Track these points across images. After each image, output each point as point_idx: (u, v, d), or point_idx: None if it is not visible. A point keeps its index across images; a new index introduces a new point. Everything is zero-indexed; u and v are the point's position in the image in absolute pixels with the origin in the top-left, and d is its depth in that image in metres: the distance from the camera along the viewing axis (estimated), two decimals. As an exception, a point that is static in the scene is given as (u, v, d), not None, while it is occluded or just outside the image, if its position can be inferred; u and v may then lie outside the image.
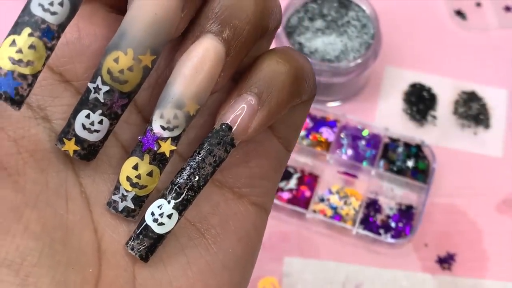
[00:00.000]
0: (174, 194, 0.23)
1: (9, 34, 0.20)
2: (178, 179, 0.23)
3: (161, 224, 0.23)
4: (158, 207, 0.23)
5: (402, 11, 0.79)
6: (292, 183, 0.68)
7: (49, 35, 0.20)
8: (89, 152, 0.22)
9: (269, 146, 0.25)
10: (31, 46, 0.20)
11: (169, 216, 0.23)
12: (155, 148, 0.22)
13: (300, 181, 0.68)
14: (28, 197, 0.22)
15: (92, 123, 0.22)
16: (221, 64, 0.22)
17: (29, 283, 0.21)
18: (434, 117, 0.73)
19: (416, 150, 0.69)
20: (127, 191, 0.23)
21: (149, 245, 0.23)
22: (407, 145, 0.69)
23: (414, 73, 0.75)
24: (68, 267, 0.22)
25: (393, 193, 0.68)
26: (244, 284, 0.26)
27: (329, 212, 0.66)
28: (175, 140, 0.22)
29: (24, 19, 0.20)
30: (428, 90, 0.74)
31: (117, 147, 0.24)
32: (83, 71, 0.23)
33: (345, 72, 0.69)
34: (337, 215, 0.66)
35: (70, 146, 0.22)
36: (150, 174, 0.22)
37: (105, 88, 0.21)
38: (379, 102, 0.74)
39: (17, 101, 0.20)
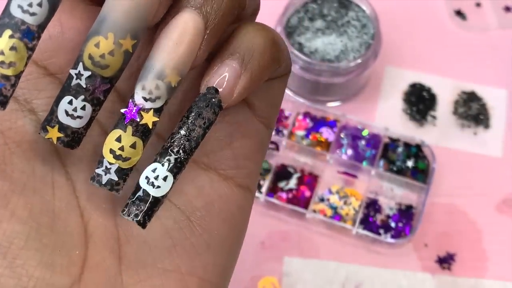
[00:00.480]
0: (168, 157, 0.23)
1: None
2: (170, 143, 0.23)
3: (157, 187, 0.23)
4: (153, 171, 0.23)
5: (402, 11, 0.79)
6: (292, 183, 0.68)
7: (30, 35, 0.21)
8: (72, 139, 0.22)
9: (251, 126, 0.26)
10: (12, 48, 0.21)
11: (164, 179, 0.23)
12: (138, 119, 0.22)
13: (300, 181, 0.68)
14: (15, 184, 0.22)
15: (74, 109, 0.22)
16: (201, 37, 0.23)
17: (17, 265, 0.21)
18: (434, 117, 0.73)
19: (416, 150, 0.69)
20: (110, 163, 0.23)
21: (146, 210, 0.23)
22: (407, 145, 0.69)
23: (414, 73, 0.75)
24: (54, 250, 0.22)
25: (393, 193, 0.68)
26: (229, 266, 0.26)
27: (329, 212, 0.66)
28: (157, 111, 0.22)
29: (4, 21, 0.21)
30: (428, 90, 0.74)
31: (102, 135, 0.24)
32: (67, 64, 0.23)
33: (345, 72, 0.69)
34: (337, 215, 0.66)
35: (54, 133, 0.22)
36: (133, 146, 0.23)
37: (86, 74, 0.22)
38: (379, 102, 0.74)
39: (1, 101, 0.21)
